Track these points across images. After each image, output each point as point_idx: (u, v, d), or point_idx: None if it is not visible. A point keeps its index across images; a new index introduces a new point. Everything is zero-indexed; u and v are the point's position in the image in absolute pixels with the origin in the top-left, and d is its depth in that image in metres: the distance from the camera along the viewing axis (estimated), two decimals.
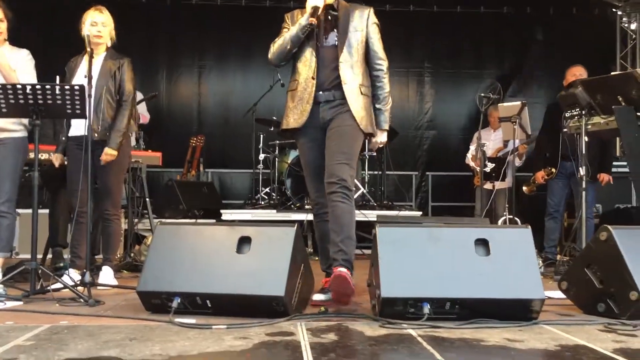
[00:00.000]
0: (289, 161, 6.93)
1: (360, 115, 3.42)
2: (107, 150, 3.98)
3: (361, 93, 3.46)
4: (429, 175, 8.94)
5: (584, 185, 4.38)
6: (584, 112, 4.42)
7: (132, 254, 5.20)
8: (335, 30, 3.48)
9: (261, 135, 7.32)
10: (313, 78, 3.42)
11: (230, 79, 8.93)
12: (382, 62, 3.55)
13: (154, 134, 7.48)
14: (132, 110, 4.14)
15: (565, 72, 5.42)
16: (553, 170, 5.32)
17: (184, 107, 8.87)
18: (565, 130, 4.93)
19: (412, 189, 8.91)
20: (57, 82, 3.59)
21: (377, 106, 3.58)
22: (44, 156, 4.49)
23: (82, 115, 3.60)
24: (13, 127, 3.88)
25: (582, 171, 4.39)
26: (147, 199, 5.49)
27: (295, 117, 3.47)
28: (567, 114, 4.95)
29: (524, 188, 5.72)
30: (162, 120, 8.56)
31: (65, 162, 4.18)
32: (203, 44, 8.86)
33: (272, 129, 7.30)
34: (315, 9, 3.37)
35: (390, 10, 8.59)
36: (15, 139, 3.90)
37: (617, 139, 5.61)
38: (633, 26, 8.58)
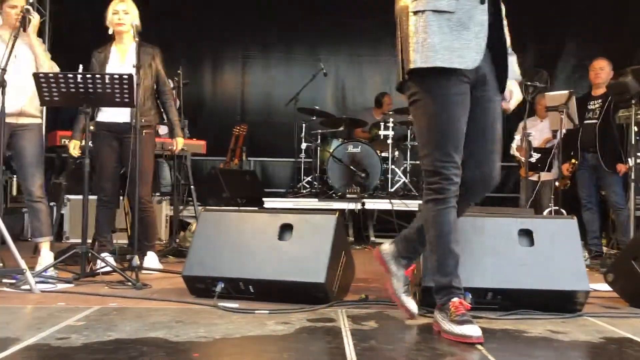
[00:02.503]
0: (330, 150, 6.95)
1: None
2: (178, 139, 4.36)
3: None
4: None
5: (632, 176, 4.29)
6: (634, 101, 4.33)
7: (177, 240, 5.31)
8: None
9: (303, 125, 7.36)
10: (482, 1, 2.42)
11: (273, 69, 8.98)
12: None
13: (198, 122, 7.61)
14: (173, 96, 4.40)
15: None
16: (574, 161, 5.26)
17: (227, 97, 8.97)
18: (585, 121, 4.93)
19: None
20: (80, 71, 3.71)
21: (509, 50, 2.61)
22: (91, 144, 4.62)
23: (131, 104, 3.70)
24: (36, 113, 4.02)
25: (630, 162, 4.29)
26: (192, 187, 5.59)
27: (461, 53, 2.37)
28: (590, 106, 4.97)
29: (556, 183, 5.64)
30: (206, 109, 8.71)
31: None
32: (247, 35, 8.92)
33: (314, 118, 7.35)
34: None
35: None
36: (39, 125, 4.07)
37: None
38: None
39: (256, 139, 8.43)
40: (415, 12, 2.43)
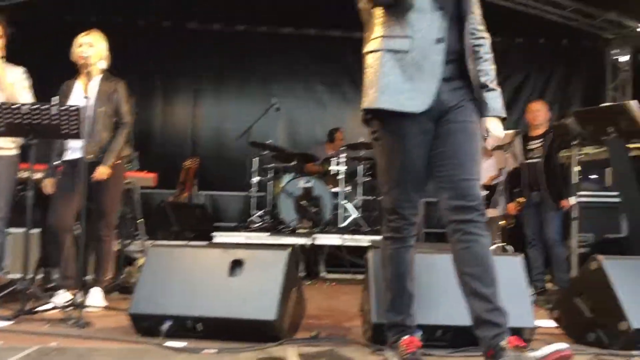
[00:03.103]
0: (282, 185, 6.95)
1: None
2: (100, 168, 3.99)
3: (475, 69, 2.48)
4: (422, 202, 8.94)
5: (575, 215, 4.43)
6: (575, 142, 4.51)
7: (122, 276, 5.16)
8: None
9: (256, 159, 7.35)
10: (439, 40, 2.34)
11: (226, 102, 9.03)
12: (484, 31, 2.57)
13: (148, 154, 7.51)
14: (129, 132, 4.21)
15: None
16: (520, 200, 5.42)
17: (179, 129, 8.95)
18: (528, 161, 5.15)
19: None
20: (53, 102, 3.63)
21: (490, 85, 2.51)
22: (37, 175, 4.48)
23: (77, 136, 3.62)
24: (7, 145, 3.90)
25: (572, 200, 4.44)
26: (139, 220, 5.47)
27: (411, 95, 2.32)
28: (530, 146, 5.21)
29: (500, 222, 5.78)
30: (156, 142, 8.64)
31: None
32: (200, 68, 8.95)
33: (266, 152, 7.35)
34: None
35: None
36: (10, 157, 3.93)
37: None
38: (623, 58, 8.72)
39: (207, 172, 8.38)
40: (371, 52, 2.42)
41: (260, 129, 7.70)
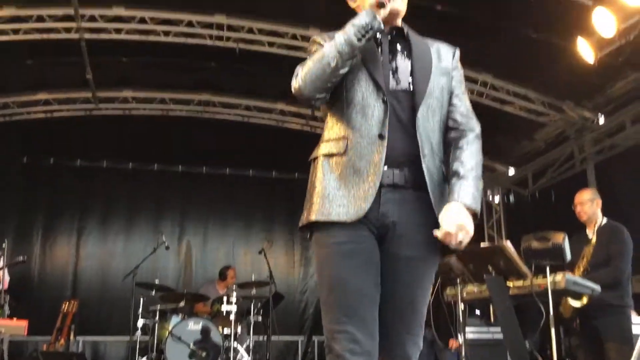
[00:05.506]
0: (169, 327, 6.60)
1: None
2: None
3: (444, 178, 2.06)
4: (315, 340, 8.81)
5: (463, 352, 4.51)
6: (458, 280, 4.69)
7: None
8: (408, 64, 2.06)
9: (141, 299, 6.99)
10: (382, 137, 1.96)
11: (112, 241, 8.71)
12: (475, 124, 2.12)
13: (23, 299, 6.96)
14: None
15: None
16: None
17: (58, 270, 8.45)
18: None
19: (299, 355, 8.69)
20: None
21: (462, 172, 2.02)
22: None
23: None
24: None
25: (460, 339, 4.54)
26: None
27: (343, 202, 1.95)
28: None
29: None
30: (32, 285, 8.07)
31: None
32: (84, 206, 8.69)
33: (153, 293, 7.04)
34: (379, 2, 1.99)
35: (276, 178, 8.95)
36: None
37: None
38: (496, 199, 9.45)
39: (88, 315, 7.87)
40: (312, 161, 2.10)
41: (149, 267, 7.43)
